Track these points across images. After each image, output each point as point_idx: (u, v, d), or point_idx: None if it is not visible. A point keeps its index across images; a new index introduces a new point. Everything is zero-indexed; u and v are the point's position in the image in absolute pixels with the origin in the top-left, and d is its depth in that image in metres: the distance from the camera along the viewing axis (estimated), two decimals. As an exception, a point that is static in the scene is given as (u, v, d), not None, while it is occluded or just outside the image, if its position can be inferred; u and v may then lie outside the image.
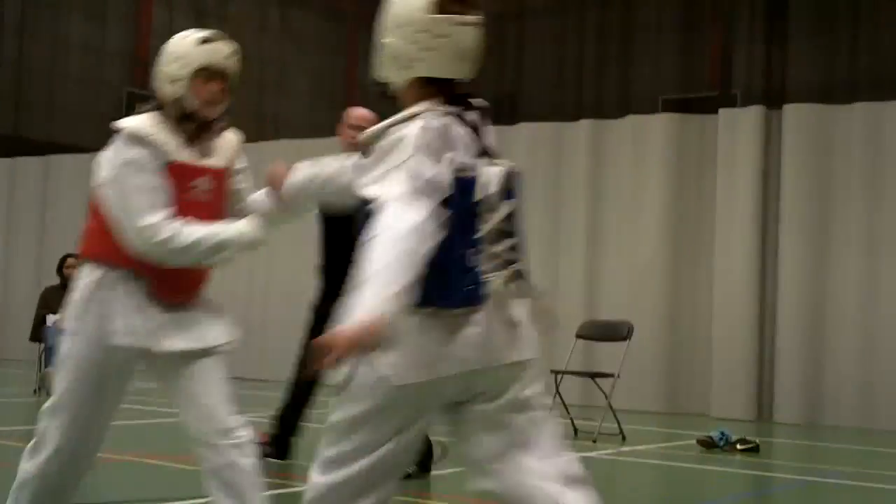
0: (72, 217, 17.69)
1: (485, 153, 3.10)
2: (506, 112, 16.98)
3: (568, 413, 9.95)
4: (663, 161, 12.94)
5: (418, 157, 2.92)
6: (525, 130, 14.11)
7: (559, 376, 9.94)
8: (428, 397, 3.04)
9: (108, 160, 4.00)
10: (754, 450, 9.24)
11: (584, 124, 13.87)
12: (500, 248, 3.03)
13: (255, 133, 18.15)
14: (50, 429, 4.04)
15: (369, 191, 2.98)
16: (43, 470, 4.06)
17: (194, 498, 6.06)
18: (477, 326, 3.00)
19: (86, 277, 4.01)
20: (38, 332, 12.51)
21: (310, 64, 22.30)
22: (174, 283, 4.04)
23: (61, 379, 4.02)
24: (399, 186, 2.89)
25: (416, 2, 3.07)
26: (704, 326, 12.45)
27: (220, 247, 3.98)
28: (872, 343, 11.74)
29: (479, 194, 3.02)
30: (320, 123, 18.49)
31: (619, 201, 13.13)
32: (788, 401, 12.07)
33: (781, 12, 14.12)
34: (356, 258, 2.88)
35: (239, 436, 3.98)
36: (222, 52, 4.05)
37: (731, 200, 12.51)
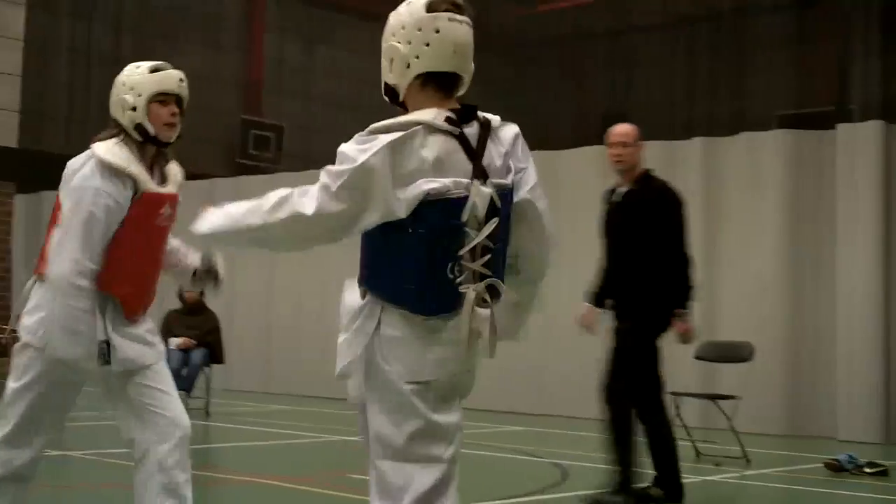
0: (190, 242, 18.12)
1: (481, 173, 3.19)
2: (617, 130, 16.88)
3: (689, 435, 9.85)
4: (780, 178, 12.76)
5: (362, 167, 3.10)
6: (638, 149, 14.02)
7: (679, 398, 9.87)
8: (424, 397, 3.21)
9: (81, 177, 4.32)
10: (884, 473, 9.04)
11: (697, 142, 13.74)
12: (478, 263, 3.18)
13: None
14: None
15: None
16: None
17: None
18: (452, 333, 3.20)
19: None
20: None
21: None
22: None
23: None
24: (325, 177, 3.19)
25: (412, 5, 3.25)
26: (828, 347, 12.21)
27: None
28: None
29: (465, 215, 3.14)
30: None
31: (736, 220, 12.97)
32: (918, 422, 11.77)
33: (899, 23, 13.85)
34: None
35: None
36: (174, 77, 4.51)
37: (852, 218, 12.26)
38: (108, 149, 4.36)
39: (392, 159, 3.10)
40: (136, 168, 4.39)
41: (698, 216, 13.10)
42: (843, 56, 15.00)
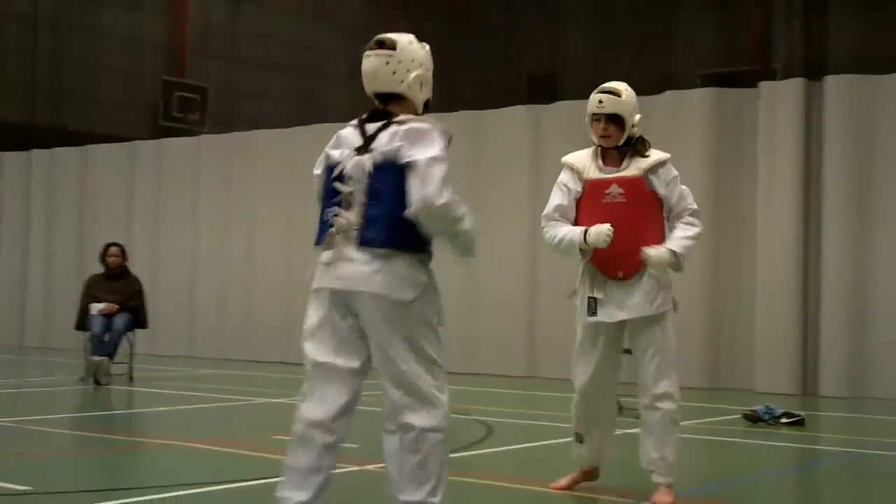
0: (111, 206, 17.88)
1: (363, 149, 4.43)
2: (546, 91, 16.92)
3: (612, 391, 9.96)
4: (703, 136, 12.87)
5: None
6: (564, 109, 14.06)
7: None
8: (331, 302, 4.40)
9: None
10: (800, 423, 9.22)
11: (623, 101, 13.78)
12: (350, 212, 4.39)
13: (294, 118, 18.23)
14: None
15: None
16: None
17: (238, 482, 6.14)
18: (324, 259, 4.45)
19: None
20: (83, 321, 12.64)
21: (348, 49, 22.33)
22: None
23: None
24: None
25: None
26: (748, 302, 12.39)
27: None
28: (918, 315, 11.66)
29: (335, 174, 4.48)
30: (360, 109, 18.54)
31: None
32: (833, 374, 12.00)
33: (820, -17, 13.99)
34: None
35: None
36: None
37: (773, 175, 12.43)
38: None
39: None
40: None
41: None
42: (766, 16, 15.11)
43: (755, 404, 9.64)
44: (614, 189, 5.72)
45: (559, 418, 9.12)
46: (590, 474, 5.99)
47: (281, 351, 16.08)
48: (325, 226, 4.47)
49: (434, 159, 4.27)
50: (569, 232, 5.70)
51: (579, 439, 5.89)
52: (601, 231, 5.53)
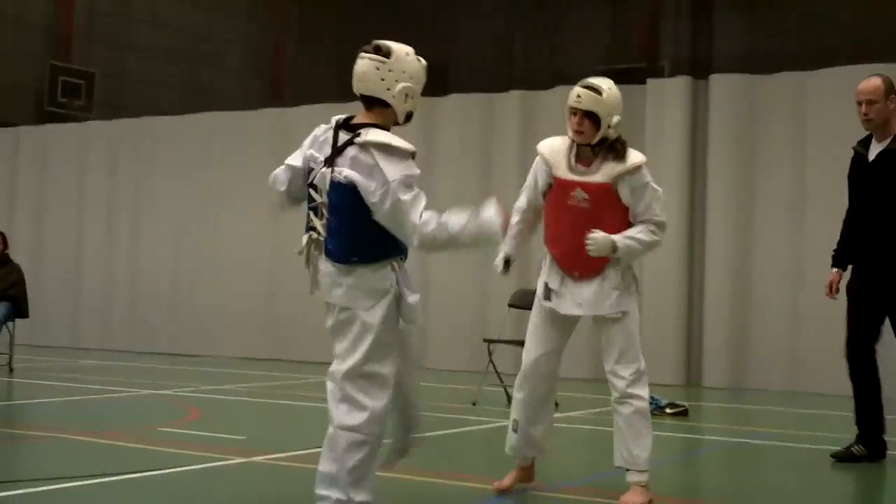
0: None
1: (329, 161, 4.54)
2: (437, 83, 16.95)
3: (501, 381, 10.05)
4: (592, 131, 13.01)
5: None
6: (456, 101, 14.13)
7: (491, 345, 10.07)
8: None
9: None
10: (683, 413, 9.42)
11: (515, 95, 13.93)
12: (317, 221, 4.55)
13: (186, 105, 17.97)
14: None
15: None
16: None
17: (122, 475, 6.05)
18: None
19: None
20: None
21: (240, 36, 22.09)
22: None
23: None
24: None
25: None
26: (633, 293, 12.57)
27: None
28: (797, 309, 11.97)
29: (310, 181, 4.59)
30: (252, 96, 18.36)
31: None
32: (716, 366, 12.28)
33: (707, -17, 14.27)
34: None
35: None
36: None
37: (660, 169, 12.62)
38: None
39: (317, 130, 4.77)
40: None
41: (515, 167, 13.31)
42: (655, 15, 15.35)
43: (640, 395, 9.80)
44: (579, 193, 5.53)
45: (478, 412, 9.19)
46: (527, 472, 5.83)
47: (167, 342, 15.88)
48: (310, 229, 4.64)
49: (399, 182, 4.46)
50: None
51: (514, 427, 5.71)
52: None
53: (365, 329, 4.46)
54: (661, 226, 5.75)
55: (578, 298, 5.58)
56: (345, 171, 4.46)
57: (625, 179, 5.57)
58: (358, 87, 4.65)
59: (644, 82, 13.14)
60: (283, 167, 4.71)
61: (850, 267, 7.09)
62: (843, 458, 6.87)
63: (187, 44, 21.72)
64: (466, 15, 18.98)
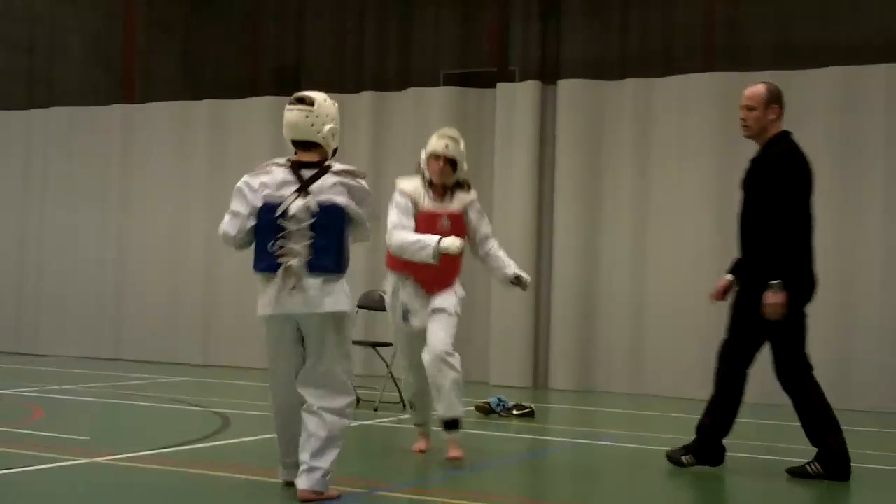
0: None
1: (301, 191, 5.39)
2: (288, 83, 16.82)
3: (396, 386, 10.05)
4: (442, 134, 13.10)
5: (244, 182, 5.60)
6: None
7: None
8: (272, 327, 5.52)
9: None
10: (530, 415, 9.56)
11: (366, 96, 13.94)
12: (288, 244, 5.38)
13: (25, 100, 17.42)
14: None
15: None
16: None
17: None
18: (273, 287, 5.40)
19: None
20: None
21: (85, 26, 21.52)
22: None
23: None
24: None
25: None
26: (483, 296, 12.72)
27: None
28: (641, 311, 12.26)
29: (279, 213, 5.38)
30: (97, 90, 17.92)
31: (404, 172, 13.18)
32: (562, 368, 12.49)
33: (556, -10, 14.52)
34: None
35: None
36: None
37: (509, 172, 12.85)
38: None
39: (251, 180, 5.56)
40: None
41: (366, 167, 13.29)
42: (505, 19, 15.53)
43: (489, 397, 9.94)
44: (445, 221, 6.91)
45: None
46: (427, 438, 7.31)
47: (12, 341, 15.46)
48: (268, 255, 5.41)
49: (371, 212, 5.60)
50: (424, 237, 6.56)
51: (412, 406, 7.30)
52: (455, 240, 6.47)
53: (344, 328, 5.54)
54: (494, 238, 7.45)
55: (430, 308, 6.99)
56: (329, 192, 5.42)
57: (472, 207, 7.14)
58: (293, 134, 5.53)
59: (494, 86, 13.31)
60: (228, 218, 5.51)
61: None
62: (797, 474, 6.69)
63: (28, 34, 21.08)
64: (316, 14, 18.89)
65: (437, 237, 6.52)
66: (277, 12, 19.10)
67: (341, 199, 5.41)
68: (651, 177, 12.36)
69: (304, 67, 18.87)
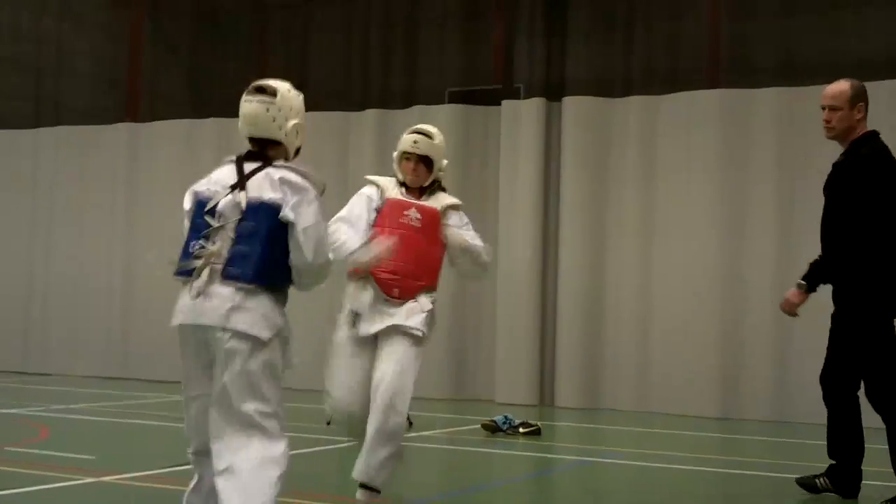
0: None
1: (237, 187, 4.41)
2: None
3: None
4: (449, 150, 13.09)
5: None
6: (311, 119, 14.02)
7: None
8: (183, 339, 4.35)
9: None
10: (536, 433, 9.53)
11: (371, 114, 13.98)
12: (207, 244, 4.32)
13: (33, 119, 17.49)
14: None
15: None
16: None
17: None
18: (187, 294, 4.30)
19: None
20: None
21: (92, 46, 21.60)
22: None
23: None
24: None
25: None
26: (489, 314, 12.71)
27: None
28: (647, 328, 12.23)
29: (207, 209, 4.38)
30: (103, 109, 17.97)
31: (407, 190, 13.25)
32: (569, 386, 12.45)
33: (561, 8, 14.51)
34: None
35: None
36: None
37: (514, 189, 12.84)
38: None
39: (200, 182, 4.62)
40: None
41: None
42: (510, 37, 15.55)
43: (495, 415, 9.92)
44: (413, 213, 5.85)
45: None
46: None
47: (19, 361, 15.47)
48: (188, 257, 4.35)
49: (315, 225, 4.38)
50: (349, 240, 5.66)
51: (350, 434, 5.97)
52: (371, 251, 5.50)
53: (265, 363, 4.29)
54: (487, 258, 6.14)
55: (386, 318, 5.75)
56: (262, 190, 4.40)
57: (456, 211, 6.01)
58: (249, 130, 4.58)
59: (499, 104, 13.35)
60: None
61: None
62: (806, 486, 6.51)
63: (36, 54, 21.17)
64: (321, 31, 18.95)
65: (359, 244, 5.62)
66: (283, 30, 19.16)
67: (275, 195, 4.37)
68: (657, 194, 12.36)
69: (309, 85, 18.89)
